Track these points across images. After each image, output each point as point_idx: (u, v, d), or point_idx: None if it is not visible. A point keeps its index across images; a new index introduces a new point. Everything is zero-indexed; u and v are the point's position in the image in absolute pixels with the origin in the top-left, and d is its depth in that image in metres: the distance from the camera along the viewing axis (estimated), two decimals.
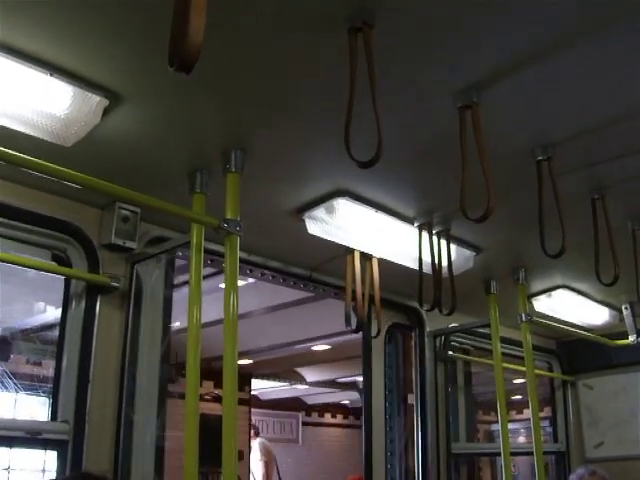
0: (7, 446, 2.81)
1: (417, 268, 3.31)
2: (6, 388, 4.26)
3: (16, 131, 2.32)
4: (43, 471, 2.94)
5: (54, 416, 2.87)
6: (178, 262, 3.51)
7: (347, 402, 14.80)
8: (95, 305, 2.95)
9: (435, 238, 3.30)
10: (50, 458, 2.85)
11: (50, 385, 2.99)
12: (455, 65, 2.18)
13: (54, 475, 2.79)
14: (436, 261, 3.27)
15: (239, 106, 2.36)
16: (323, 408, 15.13)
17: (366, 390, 4.48)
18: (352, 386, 11.64)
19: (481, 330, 4.75)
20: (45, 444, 2.81)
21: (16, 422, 2.80)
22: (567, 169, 2.79)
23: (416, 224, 3.30)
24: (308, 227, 3.16)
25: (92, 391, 2.87)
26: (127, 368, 3.02)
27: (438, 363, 4.61)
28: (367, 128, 1.92)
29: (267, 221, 3.25)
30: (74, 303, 2.96)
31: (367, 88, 1.96)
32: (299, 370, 11.00)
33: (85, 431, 2.82)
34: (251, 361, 9.47)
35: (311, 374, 11.17)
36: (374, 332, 4.16)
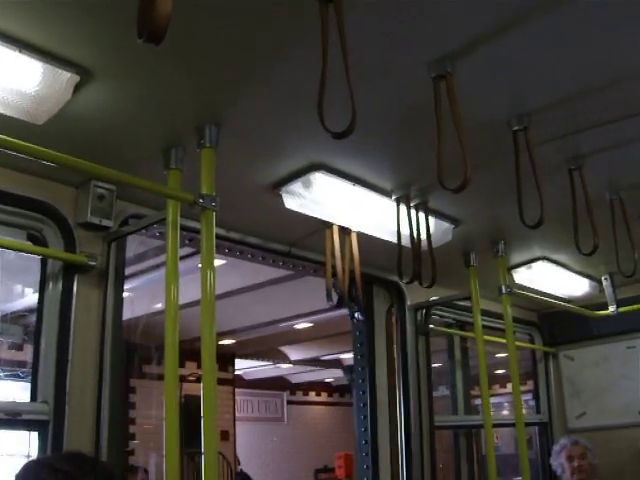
0: None
1: (396, 242, 3.31)
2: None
3: None
4: (28, 456, 2.93)
5: (34, 397, 2.85)
6: (156, 242, 3.50)
7: (331, 380, 14.87)
8: (72, 285, 2.92)
9: (413, 211, 3.30)
10: (33, 442, 2.84)
11: (30, 369, 2.97)
12: (429, 34, 2.16)
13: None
14: (415, 234, 3.27)
15: (211, 80, 2.34)
16: (307, 387, 15.22)
17: (370, 369, 4.53)
18: (336, 364, 11.68)
19: (462, 303, 4.77)
20: (26, 425, 2.79)
21: None
22: (544, 139, 2.80)
23: (394, 197, 3.29)
24: (285, 202, 3.14)
25: (71, 371, 2.85)
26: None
27: (419, 337, 4.62)
28: (341, 100, 1.90)
29: (244, 197, 3.24)
30: (51, 283, 2.93)
31: (340, 59, 1.94)
32: (283, 349, 11.03)
33: (65, 411, 2.80)
34: (234, 341, 9.48)
35: (295, 353, 11.21)
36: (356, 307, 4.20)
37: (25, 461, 2.34)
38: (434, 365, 5.15)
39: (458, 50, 2.23)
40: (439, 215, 3.57)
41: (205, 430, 2.50)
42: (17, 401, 2.90)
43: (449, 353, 5.37)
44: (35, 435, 2.81)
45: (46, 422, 2.78)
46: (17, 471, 2.21)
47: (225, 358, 10.59)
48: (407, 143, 2.87)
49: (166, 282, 2.65)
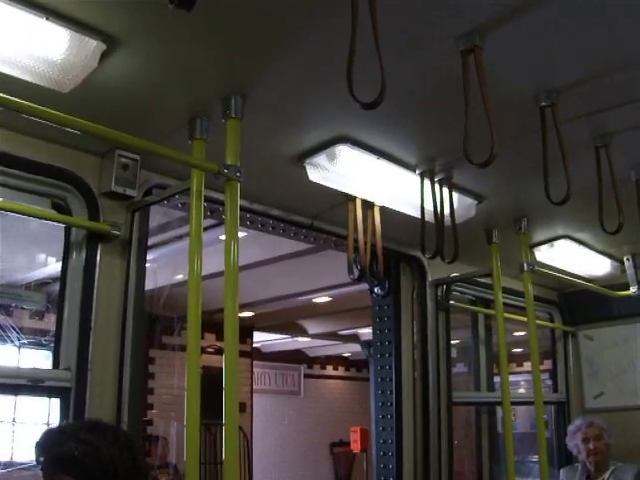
0: (12, 394, 2.83)
1: (419, 216, 3.30)
2: (10, 341, 4.30)
3: (13, 77, 2.28)
4: (47, 424, 2.95)
5: (56, 364, 2.88)
6: (179, 213, 3.50)
7: (348, 355, 14.91)
8: (96, 253, 2.93)
9: (437, 186, 3.28)
10: (53, 409, 2.87)
11: (52, 337, 2.99)
12: (458, 7, 2.13)
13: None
14: (438, 209, 3.26)
15: (239, 51, 2.32)
16: (325, 360, 15.25)
17: (395, 344, 4.53)
18: (353, 338, 11.70)
19: (483, 280, 4.75)
20: (48, 392, 2.82)
21: (19, 370, 2.79)
22: (571, 116, 2.77)
23: (418, 171, 3.27)
24: (309, 174, 3.13)
25: (94, 339, 2.87)
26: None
27: (439, 313, 4.61)
28: (369, 72, 1.89)
29: (268, 168, 3.23)
30: (74, 252, 2.95)
31: (368, 32, 1.92)
32: (301, 322, 11.06)
33: (87, 379, 2.83)
34: (252, 313, 9.51)
35: (313, 326, 11.23)
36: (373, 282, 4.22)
37: (45, 428, 2.34)
38: (456, 341, 5.15)
39: (487, 23, 2.21)
40: (463, 191, 3.54)
41: (226, 402, 2.51)
42: (40, 368, 2.92)
43: (473, 330, 5.35)
44: (56, 402, 2.84)
45: (68, 389, 2.80)
46: (38, 439, 2.21)
47: (243, 330, 10.62)
48: (433, 117, 2.85)
49: (190, 253, 2.65)
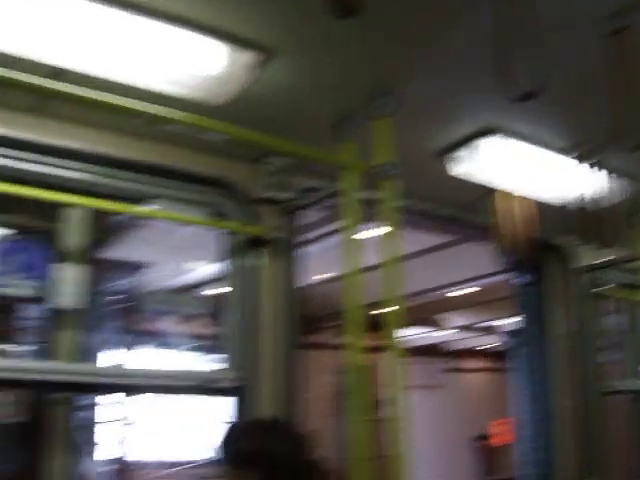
0: (186, 394, 2.95)
1: (565, 204, 3.25)
2: (176, 345, 4.51)
3: (167, 94, 2.41)
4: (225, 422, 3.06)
5: (227, 365, 3.00)
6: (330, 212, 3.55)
7: (487, 347, 14.72)
8: (256, 256, 3.05)
9: (588, 169, 3.22)
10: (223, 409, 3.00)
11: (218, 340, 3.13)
12: None
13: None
14: (590, 193, 3.20)
15: (386, 50, 2.37)
16: (464, 353, 15.11)
17: (541, 334, 4.49)
18: (494, 330, 11.56)
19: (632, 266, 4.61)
20: (221, 392, 2.94)
21: (193, 372, 2.91)
22: None
23: (569, 156, 3.23)
24: (454, 168, 3.14)
25: (263, 339, 2.99)
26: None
27: (588, 300, 4.50)
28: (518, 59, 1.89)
29: (412, 164, 3.22)
30: (235, 256, 3.07)
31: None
32: (440, 316, 11.01)
33: (258, 378, 2.94)
34: None
35: (452, 319, 11.16)
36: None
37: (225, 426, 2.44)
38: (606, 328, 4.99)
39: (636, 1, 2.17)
40: (615, 172, 3.45)
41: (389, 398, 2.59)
42: (212, 369, 3.04)
43: (624, 316, 5.18)
44: (229, 401, 2.97)
45: (240, 388, 2.92)
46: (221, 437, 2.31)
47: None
48: (584, 101, 2.79)
49: (346, 252, 2.71)
